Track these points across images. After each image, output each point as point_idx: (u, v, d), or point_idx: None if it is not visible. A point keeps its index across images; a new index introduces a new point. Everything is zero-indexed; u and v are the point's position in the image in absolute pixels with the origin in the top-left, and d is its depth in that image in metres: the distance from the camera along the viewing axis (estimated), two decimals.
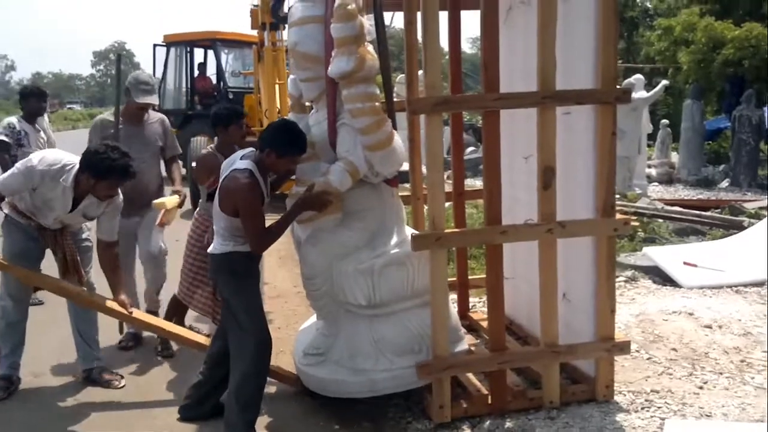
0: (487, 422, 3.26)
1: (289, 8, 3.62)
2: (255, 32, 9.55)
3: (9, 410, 3.60)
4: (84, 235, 3.95)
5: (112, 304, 3.77)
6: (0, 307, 3.79)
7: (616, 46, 3.18)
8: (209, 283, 4.09)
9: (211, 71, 13.02)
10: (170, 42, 12.82)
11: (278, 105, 8.61)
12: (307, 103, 3.71)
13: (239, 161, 3.17)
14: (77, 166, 3.49)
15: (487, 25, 3.12)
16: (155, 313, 4.40)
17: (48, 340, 4.48)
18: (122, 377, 3.98)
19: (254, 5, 9.13)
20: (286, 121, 3.35)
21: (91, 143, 3.85)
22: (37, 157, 3.54)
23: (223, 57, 12.83)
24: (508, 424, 3.23)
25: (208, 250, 3.32)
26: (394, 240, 3.41)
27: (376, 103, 3.19)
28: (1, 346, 3.82)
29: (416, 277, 3.36)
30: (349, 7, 3.06)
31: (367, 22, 3.21)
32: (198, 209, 4.28)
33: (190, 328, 4.42)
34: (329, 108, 3.37)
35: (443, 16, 3.92)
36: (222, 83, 12.46)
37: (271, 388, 3.82)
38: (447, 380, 3.24)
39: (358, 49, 3.11)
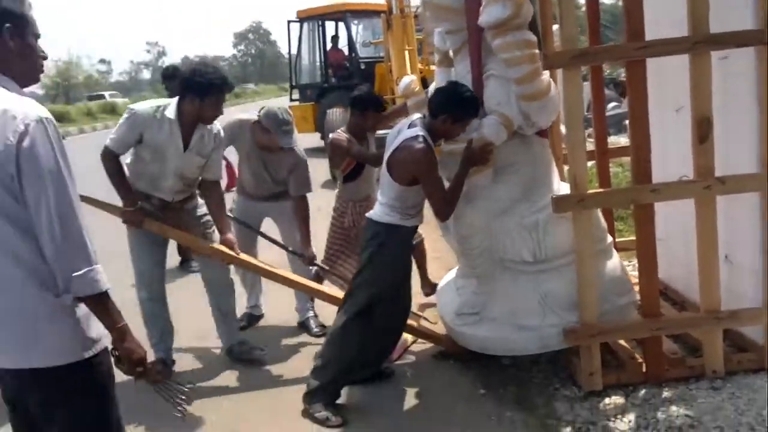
0: (642, 391, 3.10)
1: None
2: (383, 1, 9.56)
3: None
4: (203, 211, 3.87)
5: (219, 247, 3.74)
6: (139, 300, 3.81)
7: None
8: (346, 260, 4.21)
9: (343, 43, 13.25)
10: (303, 17, 13.17)
11: (408, 71, 8.59)
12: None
13: (407, 130, 3.15)
14: (176, 100, 3.49)
15: None
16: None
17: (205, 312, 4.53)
18: (263, 349, 3.97)
19: None
20: (456, 83, 3.24)
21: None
22: (137, 105, 3.56)
23: (354, 28, 13.00)
24: (666, 393, 3.06)
25: (367, 214, 3.36)
26: (551, 192, 3.28)
27: (535, 51, 3.06)
28: (148, 336, 3.80)
29: None
30: None
31: None
32: (337, 191, 4.37)
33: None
34: (473, 60, 3.27)
35: None
36: (354, 54, 12.65)
37: (411, 355, 3.90)
38: (596, 347, 3.11)
39: None
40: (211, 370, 3.94)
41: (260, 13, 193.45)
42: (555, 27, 3.46)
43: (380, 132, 4.29)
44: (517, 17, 2.99)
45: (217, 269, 3.92)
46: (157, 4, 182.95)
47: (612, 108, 13.80)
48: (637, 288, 3.31)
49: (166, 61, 74.91)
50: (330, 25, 13.36)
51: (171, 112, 3.47)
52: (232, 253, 3.76)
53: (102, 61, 73.42)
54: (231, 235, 3.82)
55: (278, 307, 4.65)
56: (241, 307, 4.36)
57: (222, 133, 3.76)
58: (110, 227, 4.07)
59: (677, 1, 2.98)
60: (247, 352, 3.96)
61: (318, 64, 13.37)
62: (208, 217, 3.87)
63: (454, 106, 3.07)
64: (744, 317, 3.10)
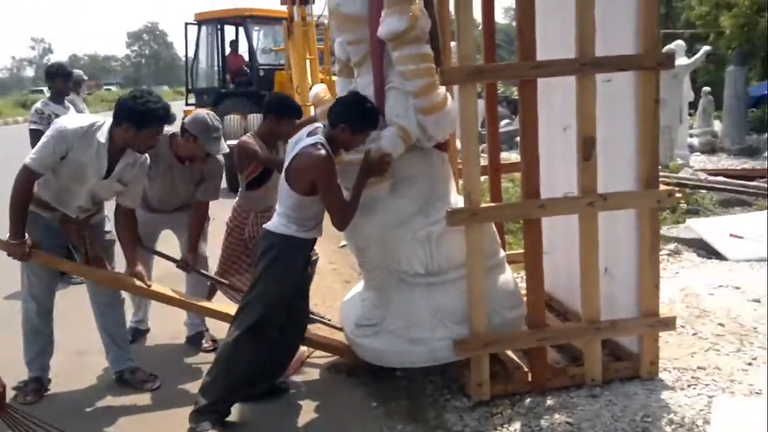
0: (527, 400, 3.19)
1: None
2: (285, 8, 9.48)
3: (37, 413, 2.97)
4: (107, 228, 3.73)
5: (129, 279, 3.57)
6: (23, 312, 3.56)
7: (658, 8, 3.03)
8: (243, 273, 4.07)
9: (243, 49, 13.01)
10: (201, 20, 12.83)
11: (309, 81, 8.55)
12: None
13: (306, 138, 3.09)
14: (109, 121, 3.29)
15: None
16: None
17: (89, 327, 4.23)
18: (156, 377, 3.72)
19: None
20: (357, 94, 3.24)
21: None
22: (64, 120, 3.34)
23: (254, 34, 12.80)
24: (549, 401, 3.16)
25: (265, 225, 3.26)
26: (448, 206, 3.31)
27: (431, 65, 3.09)
28: (25, 351, 3.58)
29: None
30: None
31: None
32: (237, 198, 4.19)
33: None
34: (375, 71, 3.28)
35: None
36: (253, 60, 12.46)
37: (306, 363, 3.83)
38: (485, 357, 3.17)
39: (410, 7, 3.00)
40: (93, 391, 3.69)
41: (156, 14, 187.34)
42: (453, 44, 3.53)
43: None
44: (413, 30, 3.02)
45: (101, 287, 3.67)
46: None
47: (504, 125, 14.38)
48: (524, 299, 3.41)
49: (52, 58, 70.77)
50: (229, 30, 13.08)
51: (102, 136, 3.27)
52: (142, 285, 3.58)
53: None
54: (140, 268, 3.63)
55: (166, 320, 4.43)
56: (126, 320, 4.09)
57: (148, 161, 3.55)
58: None
59: (567, 25, 3.12)
60: (140, 383, 3.67)
61: (216, 68, 13.05)
62: (112, 237, 3.69)
63: (353, 117, 3.05)
64: (622, 327, 3.26)
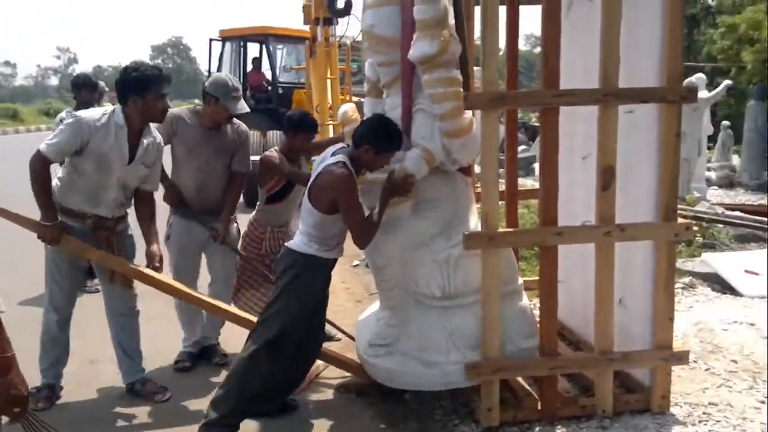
0: (537, 428, 3.17)
1: (346, 2, 3.59)
2: (307, 27, 9.60)
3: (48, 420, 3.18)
4: (129, 231, 3.70)
5: (146, 271, 3.55)
6: (44, 321, 3.58)
7: (682, 42, 3.05)
8: (257, 287, 4.10)
9: (265, 66, 13.18)
10: (225, 37, 13.03)
11: (330, 100, 8.62)
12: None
13: (331, 157, 3.13)
14: (118, 106, 3.36)
15: (548, 17, 3.03)
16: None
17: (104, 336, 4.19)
18: (167, 389, 3.70)
19: (307, 1, 9.17)
20: (382, 116, 3.28)
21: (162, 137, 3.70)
22: (80, 112, 3.39)
23: (278, 52, 12.98)
24: (558, 431, 3.14)
25: (287, 243, 3.28)
26: (468, 230, 3.32)
27: (459, 89, 3.13)
28: (41, 359, 3.59)
29: None
30: None
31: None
32: (255, 212, 4.21)
33: None
34: (404, 93, 3.32)
35: (502, 11, 3.84)
36: (274, 78, 12.60)
37: (316, 381, 3.83)
38: (496, 383, 3.17)
39: (441, 32, 3.04)
40: (104, 400, 3.70)
41: (180, 28, 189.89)
42: (476, 69, 3.57)
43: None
44: (444, 54, 3.06)
45: (120, 297, 3.68)
46: (71, 8, 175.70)
47: (522, 151, 14.39)
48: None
49: (77, 69, 71.96)
50: (252, 47, 13.26)
51: (120, 118, 3.34)
52: (156, 275, 3.57)
53: (6, 63, 69.53)
54: (156, 246, 3.64)
55: (180, 332, 4.44)
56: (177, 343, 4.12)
57: (162, 143, 3.62)
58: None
59: (591, 54, 3.14)
60: (150, 394, 3.67)
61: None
62: (133, 242, 3.73)
63: (377, 138, 3.08)
64: (634, 359, 3.25)
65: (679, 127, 3.06)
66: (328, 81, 8.82)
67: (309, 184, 3.17)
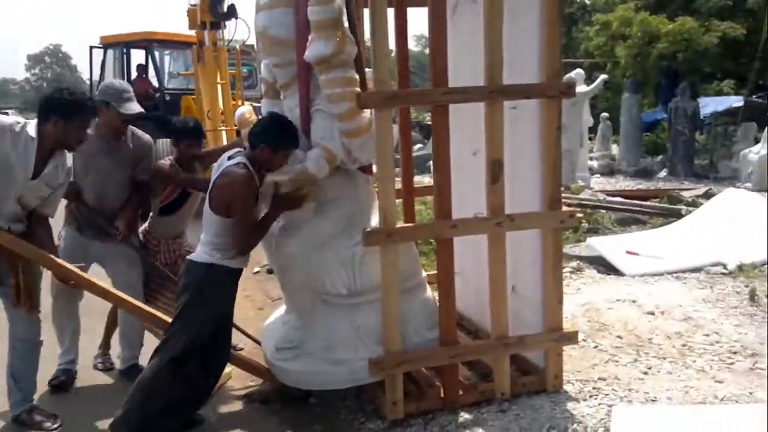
0: (440, 418, 3.26)
1: (229, 6, 3.55)
2: (194, 32, 9.36)
3: None
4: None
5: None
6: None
7: (560, 41, 3.23)
8: (156, 303, 3.96)
9: (152, 73, 12.73)
10: (107, 43, 12.50)
11: (221, 106, 8.47)
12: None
13: (228, 161, 3.07)
14: (34, 121, 3.19)
15: (434, 19, 3.12)
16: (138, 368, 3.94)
17: None
18: (56, 416, 3.48)
19: (192, 4, 8.94)
20: (276, 114, 3.26)
21: None
22: None
23: (165, 58, 12.60)
24: (461, 418, 3.25)
25: (189, 257, 3.20)
26: (371, 227, 3.36)
27: (356, 89, 3.15)
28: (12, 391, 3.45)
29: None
30: None
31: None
32: (147, 223, 4.07)
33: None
34: (301, 94, 3.31)
35: (390, 13, 3.90)
36: (160, 85, 12.22)
37: (220, 393, 3.76)
38: (400, 376, 3.23)
39: (336, 33, 3.05)
40: None
41: (59, 36, 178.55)
42: (368, 70, 3.62)
43: None
44: (339, 54, 3.08)
45: (24, 324, 3.43)
46: None
47: (417, 149, 14.69)
48: None
49: None
50: (136, 54, 12.76)
51: (32, 130, 3.17)
52: (69, 266, 3.37)
53: None
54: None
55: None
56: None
57: (71, 168, 3.43)
58: None
59: (477, 54, 3.26)
60: (37, 422, 3.44)
61: None
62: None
63: (272, 136, 3.07)
64: (528, 342, 3.41)
65: (559, 120, 3.24)
66: (219, 86, 8.67)
67: (209, 189, 3.10)
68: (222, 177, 3.03)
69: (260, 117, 3.34)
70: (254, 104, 10.98)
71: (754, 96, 16.10)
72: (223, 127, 8.13)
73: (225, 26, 8.80)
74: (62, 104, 3.15)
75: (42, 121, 3.17)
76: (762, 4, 18.35)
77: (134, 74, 12.47)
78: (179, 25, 11.47)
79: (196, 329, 3.08)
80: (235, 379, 3.88)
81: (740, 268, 5.71)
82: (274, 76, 3.50)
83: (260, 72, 3.78)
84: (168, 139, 10.68)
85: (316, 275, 3.32)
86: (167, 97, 11.85)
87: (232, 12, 8.35)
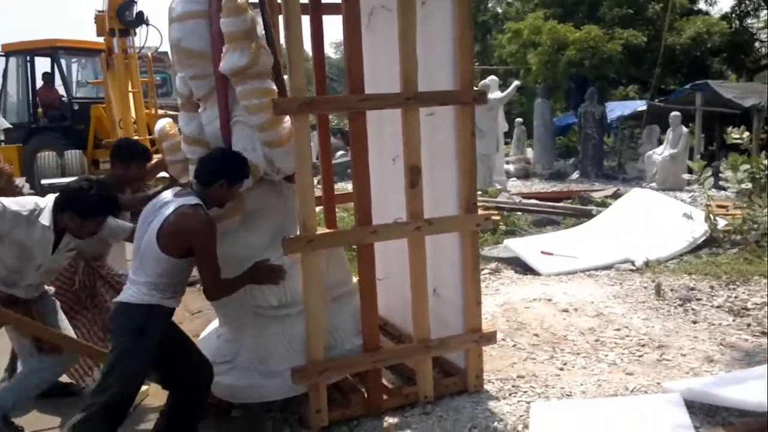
0: (365, 423, 3.28)
1: (137, 13, 3.45)
2: (102, 39, 9.06)
3: None
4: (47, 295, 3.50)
5: None
6: None
7: (472, 50, 3.32)
8: (83, 313, 3.78)
9: (59, 82, 12.22)
10: (8, 51, 11.93)
11: (133, 114, 8.23)
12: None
13: (178, 198, 2.92)
14: (50, 204, 3.17)
15: (349, 27, 3.14)
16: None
17: None
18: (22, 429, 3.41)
19: (99, 11, 8.64)
20: (223, 149, 3.17)
21: None
22: (5, 200, 3.17)
23: (73, 66, 12.13)
24: (386, 423, 3.28)
25: (119, 298, 3.00)
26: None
27: (274, 99, 3.12)
28: None
29: (326, 272, 3.35)
30: (239, 0, 2.97)
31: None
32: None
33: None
34: (220, 105, 3.26)
35: (305, 20, 3.90)
36: (68, 94, 11.75)
37: (137, 416, 3.63)
38: (323, 384, 3.22)
39: (250, 44, 3.02)
40: None
41: None
42: (285, 77, 3.60)
43: None
44: (254, 66, 3.06)
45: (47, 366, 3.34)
46: None
47: (339, 156, 14.70)
48: None
49: None
50: (41, 62, 12.20)
51: (46, 219, 3.17)
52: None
53: None
54: None
55: None
56: None
57: None
58: None
59: (394, 61, 3.31)
60: None
61: (26, 102, 12.09)
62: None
63: (229, 171, 2.99)
64: (449, 344, 3.48)
65: (473, 126, 3.32)
66: (131, 95, 8.42)
67: (158, 227, 2.90)
68: (180, 217, 2.85)
69: (205, 156, 3.15)
70: (170, 112, 10.73)
71: (656, 100, 17.01)
72: (136, 137, 7.88)
73: (135, 33, 8.55)
74: (81, 202, 3.12)
75: (58, 209, 3.16)
76: (660, 13, 19.46)
77: (39, 83, 11.96)
78: (89, 33, 11.08)
79: (132, 375, 2.91)
80: (153, 396, 3.76)
81: (647, 264, 6.03)
82: (190, 89, 3.44)
83: (175, 81, 3.69)
84: (77, 151, 10.34)
85: (247, 288, 3.26)
86: (76, 107, 11.43)
87: (140, 19, 8.13)
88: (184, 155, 3.51)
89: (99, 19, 8.61)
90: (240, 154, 3.09)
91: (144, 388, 3.52)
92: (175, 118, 3.80)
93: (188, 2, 3.22)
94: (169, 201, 2.95)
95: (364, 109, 3.20)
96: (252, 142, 3.20)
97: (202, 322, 5.07)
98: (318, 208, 4.51)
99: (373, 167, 3.28)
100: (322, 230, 3.65)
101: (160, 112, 9.62)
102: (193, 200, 2.91)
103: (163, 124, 3.76)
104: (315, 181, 3.32)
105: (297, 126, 3.06)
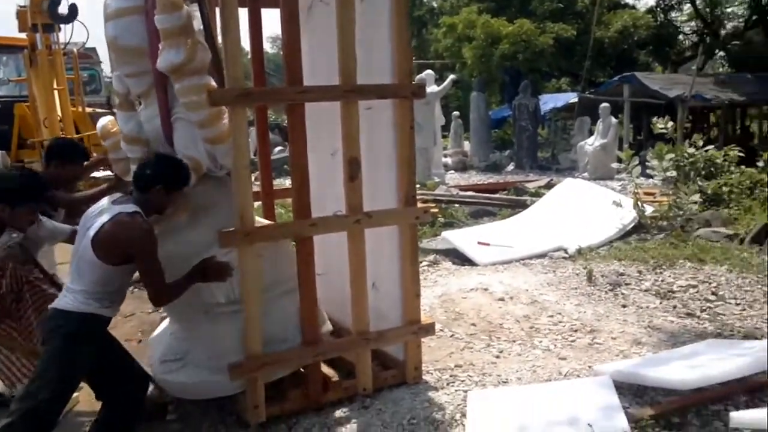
0: (304, 418, 3.27)
1: (70, 6, 3.33)
2: (24, 35, 8.66)
3: None
4: None
5: None
6: None
7: (410, 44, 3.34)
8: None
9: None
10: None
11: (59, 113, 7.93)
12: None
13: (116, 206, 2.84)
14: None
15: (287, 18, 3.11)
16: None
17: None
18: None
19: (21, 6, 8.26)
20: (162, 154, 3.09)
21: None
22: None
23: None
24: (325, 417, 3.27)
25: (54, 305, 2.89)
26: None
27: (209, 90, 3.05)
28: None
29: (274, 267, 3.33)
30: None
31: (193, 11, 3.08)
32: None
33: None
34: (160, 103, 3.20)
35: (243, 13, 3.84)
36: None
37: (68, 419, 3.51)
38: (261, 379, 3.18)
39: (187, 40, 2.97)
40: None
41: None
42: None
43: None
44: (192, 62, 3.01)
45: None
46: None
47: (277, 152, 14.56)
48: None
49: None
50: None
51: None
52: None
53: None
54: None
55: None
56: None
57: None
58: None
59: (333, 54, 3.29)
60: None
61: None
62: None
63: (168, 177, 2.93)
64: (388, 337, 3.50)
65: (412, 120, 3.35)
66: (56, 92, 8.10)
67: (93, 234, 2.82)
68: (116, 225, 2.78)
69: (144, 162, 3.07)
70: (98, 110, 10.37)
71: (586, 92, 17.53)
72: (62, 135, 7.58)
73: (59, 29, 8.22)
74: (6, 190, 3.04)
75: None
76: (589, 7, 20.04)
77: None
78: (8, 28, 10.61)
79: (61, 383, 2.80)
80: (84, 403, 3.65)
81: (579, 251, 6.22)
82: (128, 87, 3.36)
83: (105, 78, 3.60)
84: (2, 152, 9.87)
85: (195, 286, 3.21)
86: None
87: (73, 13, 7.82)
88: (126, 153, 3.44)
89: (21, 14, 8.21)
90: (179, 159, 3.05)
91: (74, 395, 3.40)
92: (94, 116, 3.71)
93: None
94: (106, 208, 2.89)
95: (303, 101, 3.18)
96: (194, 138, 3.16)
97: (134, 326, 4.97)
98: (256, 204, 4.49)
99: (311, 162, 3.27)
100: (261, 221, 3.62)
101: (88, 110, 9.29)
102: (130, 208, 2.85)
103: (104, 121, 3.67)
104: (253, 177, 3.29)
105: (233, 116, 3.01)
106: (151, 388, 3.32)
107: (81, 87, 9.10)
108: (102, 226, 2.80)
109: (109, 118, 3.73)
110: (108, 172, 3.97)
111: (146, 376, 3.16)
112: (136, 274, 2.99)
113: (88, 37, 9.39)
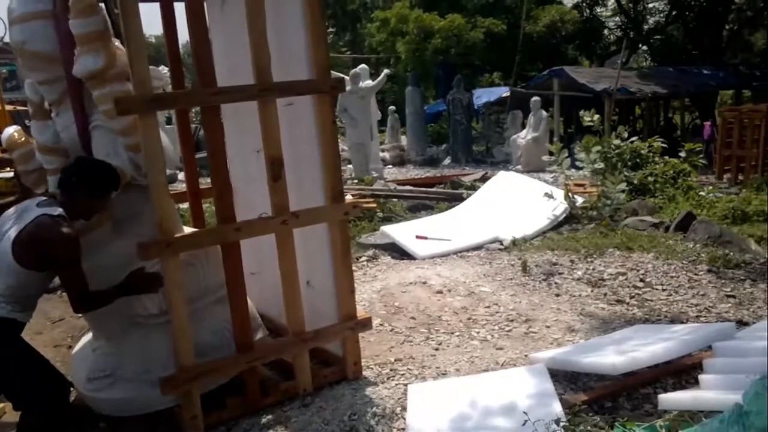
0: (243, 422, 3.20)
1: None
2: None
3: None
4: None
5: None
6: None
7: (325, 38, 3.28)
8: None
9: None
10: None
11: None
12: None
13: (39, 208, 2.71)
14: None
15: (193, 16, 2.99)
16: None
17: None
18: None
19: None
20: (85, 158, 2.97)
21: None
22: None
23: None
24: (264, 419, 3.21)
25: None
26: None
27: (115, 98, 2.90)
28: None
29: (206, 274, 3.27)
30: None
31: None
32: None
33: None
34: (75, 110, 3.08)
35: (153, 9, 3.71)
36: None
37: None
38: (196, 390, 3.09)
39: (105, 45, 2.86)
40: None
41: None
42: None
43: None
44: (111, 68, 2.91)
45: None
46: None
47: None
48: None
49: None
50: None
51: None
52: None
53: None
54: None
55: None
56: None
57: None
58: None
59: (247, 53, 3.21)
60: None
61: None
62: None
63: (91, 183, 2.82)
64: (325, 335, 3.46)
65: (333, 115, 3.31)
66: None
67: (13, 238, 2.68)
68: (38, 228, 2.67)
69: (68, 166, 2.95)
70: (19, 108, 9.89)
71: (518, 86, 17.87)
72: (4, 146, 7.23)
73: None
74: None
75: None
76: (518, 2, 20.43)
77: None
78: None
79: (25, 367, 2.78)
80: (11, 414, 3.47)
81: (513, 242, 6.32)
82: (41, 95, 3.22)
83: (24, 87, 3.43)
84: None
85: (124, 298, 3.08)
86: None
87: None
88: (38, 164, 3.29)
89: None
90: (106, 163, 2.94)
91: (1, 405, 3.25)
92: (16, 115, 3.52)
93: (29, 2, 3.02)
94: (29, 210, 2.77)
95: (217, 103, 3.10)
96: (114, 146, 3.06)
97: (63, 331, 4.78)
98: (185, 206, 4.37)
99: (238, 161, 3.20)
100: (189, 229, 3.51)
101: (9, 107, 8.88)
102: (55, 210, 2.74)
103: (10, 131, 3.50)
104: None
105: (144, 124, 2.87)
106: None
107: (0, 83, 8.69)
108: (24, 227, 2.70)
109: (15, 127, 3.56)
110: (11, 174, 3.77)
111: (67, 383, 3.05)
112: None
113: (5, 32, 8.99)
